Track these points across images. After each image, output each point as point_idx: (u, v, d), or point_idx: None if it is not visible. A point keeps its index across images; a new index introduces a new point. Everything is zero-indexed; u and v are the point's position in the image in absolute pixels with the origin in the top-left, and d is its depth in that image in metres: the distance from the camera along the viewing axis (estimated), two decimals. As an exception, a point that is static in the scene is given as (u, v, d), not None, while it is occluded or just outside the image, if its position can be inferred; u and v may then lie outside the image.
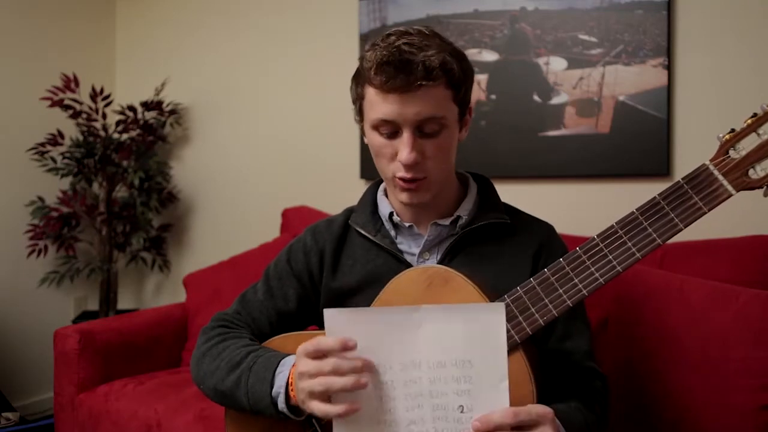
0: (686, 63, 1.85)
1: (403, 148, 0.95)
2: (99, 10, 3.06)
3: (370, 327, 0.81)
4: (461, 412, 0.79)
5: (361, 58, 0.99)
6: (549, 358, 1.03)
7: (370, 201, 1.13)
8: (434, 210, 1.07)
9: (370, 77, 0.95)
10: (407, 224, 1.07)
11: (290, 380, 0.91)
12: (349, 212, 1.16)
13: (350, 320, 0.82)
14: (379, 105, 0.95)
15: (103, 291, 2.74)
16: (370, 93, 0.97)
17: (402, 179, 0.99)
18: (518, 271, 1.04)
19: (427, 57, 0.91)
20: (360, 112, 1.04)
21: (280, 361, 0.94)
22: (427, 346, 0.80)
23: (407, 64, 0.91)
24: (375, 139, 1.00)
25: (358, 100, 1.02)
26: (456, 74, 0.96)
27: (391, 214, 1.08)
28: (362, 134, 1.07)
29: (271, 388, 0.93)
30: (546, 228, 1.12)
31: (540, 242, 1.07)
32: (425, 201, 1.02)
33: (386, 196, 1.12)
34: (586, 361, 1.04)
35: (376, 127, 0.98)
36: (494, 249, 1.06)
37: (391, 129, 0.97)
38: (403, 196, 1.01)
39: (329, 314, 0.83)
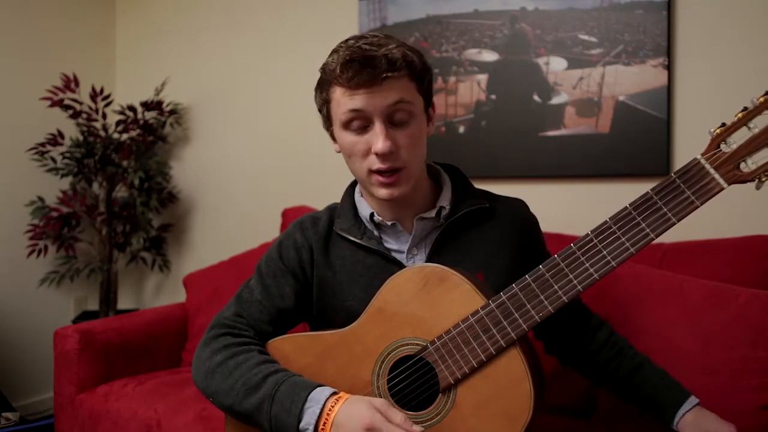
0: (686, 63, 1.85)
1: (377, 138, 0.97)
2: (99, 10, 3.06)
3: None
4: None
5: (324, 65, 1.01)
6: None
7: (349, 204, 1.13)
8: (413, 205, 1.07)
9: (335, 77, 0.97)
10: (389, 222, 1.07)
11: (323, 420, 0.90)
12: (332, 211, 1.15)
13: None
14: (348, 101, 0.97)
15: (103, 291, 2.74)
16: (337, 93, 0.99)
17: (379, 172, 0.99)
18: (505, 252, 1.07)
19: (389, 51, 0.96)
20: (328, 118, 1.05)
21: (308, 396, 0.93)
22: None
23: (371, 59, 0.94)
24: (346, 139, 1.01)
25: (325, 105, 1.04)
26: (417, 66, 1.00)
27: (372, 215, 1.08)
28: (333, 141, 1.08)
29: (299, 421, 0.92)
30: (519, 204, 1.15)
31: (518, 220, 1.11)
32: (405, 193, 1.01)
33: (363, 196, 1.12)
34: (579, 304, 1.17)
35: (346, 124, 1.00)
36: (479, 235, 1.07)
37: (362, 123, 0.98)
38: (383, 192, 1.01)
39: None
